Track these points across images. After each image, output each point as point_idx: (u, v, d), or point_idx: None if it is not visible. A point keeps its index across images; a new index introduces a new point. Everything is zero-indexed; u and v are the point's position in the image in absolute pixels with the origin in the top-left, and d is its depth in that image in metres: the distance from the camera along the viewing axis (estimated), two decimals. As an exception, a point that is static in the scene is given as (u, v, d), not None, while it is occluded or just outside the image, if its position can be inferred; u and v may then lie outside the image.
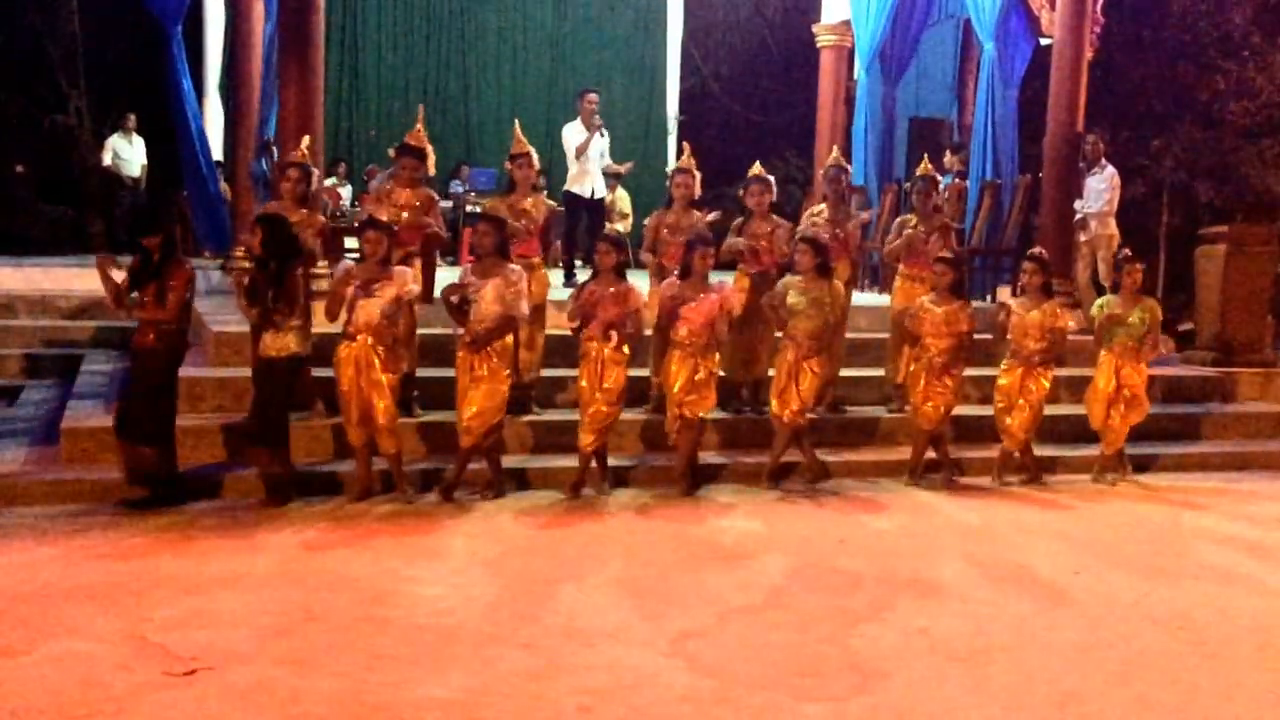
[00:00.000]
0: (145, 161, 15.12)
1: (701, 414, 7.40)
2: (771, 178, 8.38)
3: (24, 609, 4.97)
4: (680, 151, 8.69)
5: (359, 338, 6.80)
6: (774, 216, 8.32)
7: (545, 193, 9.02)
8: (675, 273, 7.60)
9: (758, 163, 8.58)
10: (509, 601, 5.29)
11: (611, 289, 7.21)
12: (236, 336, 7.98)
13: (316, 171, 8.20)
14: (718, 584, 5.67)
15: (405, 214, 7.59)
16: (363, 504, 6.88)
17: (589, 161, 11.23)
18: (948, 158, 13.19)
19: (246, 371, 7.34)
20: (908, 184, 10.68)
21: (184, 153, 11.59)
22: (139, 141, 15.19)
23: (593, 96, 11.35)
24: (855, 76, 13.04)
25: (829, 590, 5.64)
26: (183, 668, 4.37)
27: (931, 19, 13.64)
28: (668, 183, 8.75)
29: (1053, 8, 10.82)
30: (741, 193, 8.48)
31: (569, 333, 7.42)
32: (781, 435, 7.72)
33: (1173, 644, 5.05)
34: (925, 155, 9.60)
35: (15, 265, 11.56)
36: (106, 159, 15.24)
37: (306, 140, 8.16)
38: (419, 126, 7.94)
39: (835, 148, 9.55)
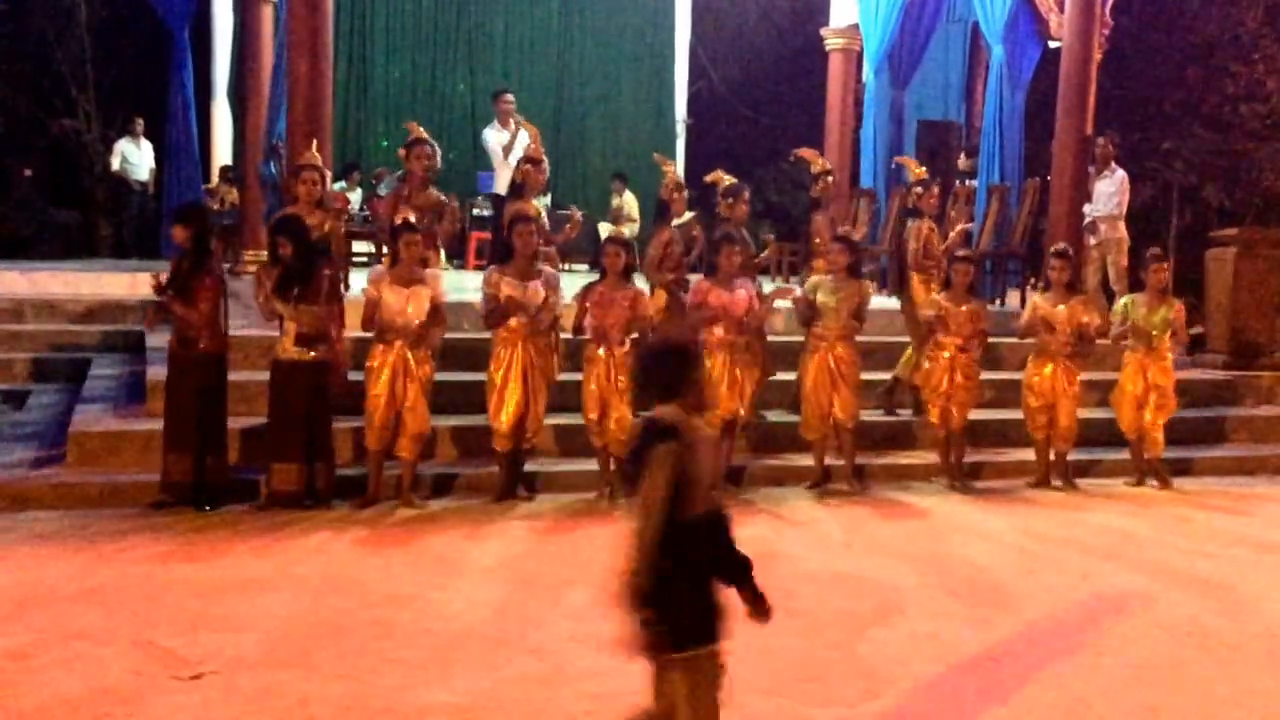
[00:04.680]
0: (153, 165, 15.13)
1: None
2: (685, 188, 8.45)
3: (33, 613, 4.98)
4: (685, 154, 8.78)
5: (396, 342, 6.83)
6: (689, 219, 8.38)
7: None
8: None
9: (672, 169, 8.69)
10: (516, 606, 5.28)
11: (619, 293, 7.24)
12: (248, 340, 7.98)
13: (328, 172, 8.23)
14: (723, 588, 5.63)
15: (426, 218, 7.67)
16: (369, 509, 6.88)
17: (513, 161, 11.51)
18: (962, 160, 13.17)
19: (260, 375, 7.31)
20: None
21: (174, 158, 11.62)
22: (147, 146, 15.18)
23: (509, 97, 11.70)
24: (864, 80, 13.04)
25: (836, 594, 5.62)
26: (190, 672, 4.38)
27: (940, 22, 13.63)
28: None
29: (1061, 10, 10.79)
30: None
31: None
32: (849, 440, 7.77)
33: (1182, 649, 5.02)
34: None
35: (23, 269, 11.56)
36: (114, 163, 15.25)
37: (315, 143, 8.17)
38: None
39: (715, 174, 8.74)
